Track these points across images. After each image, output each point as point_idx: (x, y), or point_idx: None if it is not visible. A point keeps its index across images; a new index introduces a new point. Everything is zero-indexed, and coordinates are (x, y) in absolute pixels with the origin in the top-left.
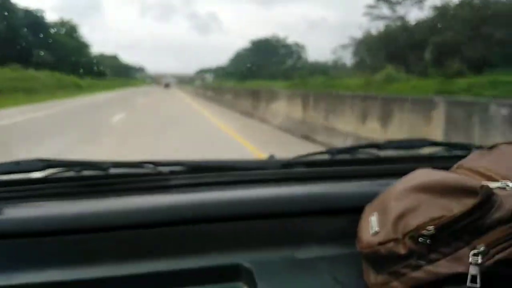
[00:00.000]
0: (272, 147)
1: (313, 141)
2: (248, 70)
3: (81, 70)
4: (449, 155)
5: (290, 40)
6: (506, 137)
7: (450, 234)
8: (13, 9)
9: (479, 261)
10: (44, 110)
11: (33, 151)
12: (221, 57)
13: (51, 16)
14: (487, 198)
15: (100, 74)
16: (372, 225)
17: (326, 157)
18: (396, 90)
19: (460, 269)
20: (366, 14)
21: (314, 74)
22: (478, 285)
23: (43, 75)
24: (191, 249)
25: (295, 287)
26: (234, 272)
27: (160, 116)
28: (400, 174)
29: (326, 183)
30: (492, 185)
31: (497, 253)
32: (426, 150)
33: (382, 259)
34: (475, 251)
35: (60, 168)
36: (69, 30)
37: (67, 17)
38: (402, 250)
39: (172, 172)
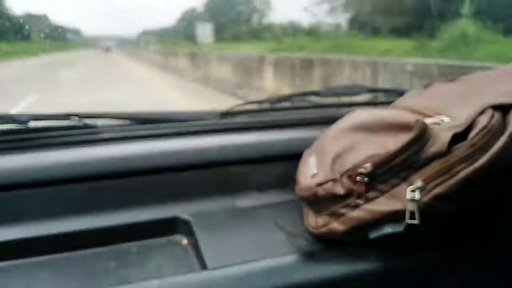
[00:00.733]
0: None
1: None
2: None
3: None
4: (387, 100)
5: None
6: None
7: (387, 171)
8: None
9: (417, 197)
10: None
11: None
12: (163, 20)
13: None
14: (422, 133)
15: (26, 37)
16: (310, 167)
17: (265, 106)
18: None
19: (398, 206)
20: None
21: (295, 35)
22: (416, 221)
23: None
24: (125, 204)
25: (235, 235)
26: (171, 225)
27: None
28: (339, 119)
29: (265, 131)
30: (427, 120)
31: (434, 188)
32: (365, 96)
33: (321, 201)
34: (412, 187)
35: None
36: None
37: None
38: (340, 190)
39: (102, 126)
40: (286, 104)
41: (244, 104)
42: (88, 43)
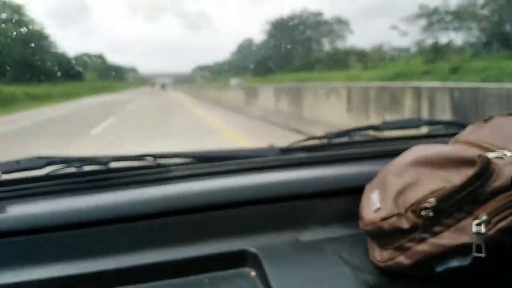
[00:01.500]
0: None
1: None
2: (263, 63)
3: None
4: (446, 133)
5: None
6: None
7: (452, 205)
8: None
9: (482, 230)
10: None
11: None
12: (214, 55)
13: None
14: (485, 167)
15: (76, 77)
16: (373, 202)
17: (324, 141)
18: None
19: (464, 239)
20: None
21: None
22: (483, 254)
23: None
24: (195, 237)
25: (302, 268)
26: (240, 258)
27: None
28: (398, 153)
29: (325, 167)
30: (490, 155)
31: (499, 221)
32: (423, 130)
33: (385, 235)
34: (478, 220)
35: (61, 165)
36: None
37: (56, 22)
38: (405, 224)
39: (172, 164)
40: (344, 139)
41: (304, 140)
42: (146, 81)
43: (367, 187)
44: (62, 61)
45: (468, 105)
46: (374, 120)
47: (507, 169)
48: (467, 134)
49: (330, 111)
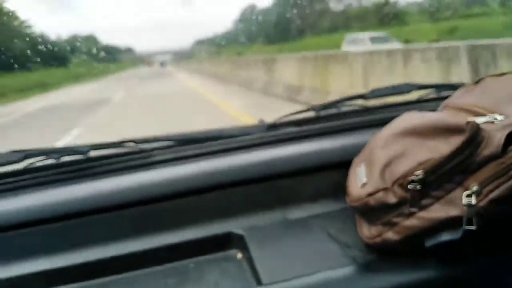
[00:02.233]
0: None
1: None
2: (278, 27)
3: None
4: (438, 97)
5: None
6: None
7: (440, 177)
8: None
9: (473, 201)
10: None
11: None
12: (213, 28)
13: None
14: (474, 134)
15: (61, 62)
16: (359, 177)
17: (311, 114)
18: None
19: (454, 212)
20: None
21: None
22: (474, 227)
23: None
24: (180, 223)
25: (289, 248)
26: (226, 240)
27: None
28: (388, 122)
29: (313, 141)
30: (479, 120)
31: (490, 191)
32: (414, 94)
33: (373, 211)
34: (468, 191)
35: (38, 157)
36: None
37: (48, 7)
38: (392, 199)
39: (154, 149)
40: (332, 110)
41: (290, 114)
42: (143, 60)
43: (355, 161)
44: (42, 45)
45: None
46: None
47: (497, 135)
48: (456, 97)
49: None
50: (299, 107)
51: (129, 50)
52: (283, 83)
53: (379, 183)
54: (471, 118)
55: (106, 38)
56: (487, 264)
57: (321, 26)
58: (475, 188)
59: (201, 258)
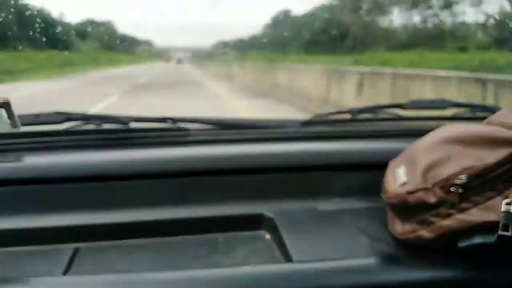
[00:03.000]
0: None
1: None
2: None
3: None
4: (472, 116)
5: None
6: None
7: (483, 184)
8: None
9: None
10: None
11: None
12: (236, 32)
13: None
14: None
15: (65, 45)
16: (399, 177)
17: (347, 116)
18: None
19: (491, 217)
20: None
21: None
22: (510, 233)
23: None
24: (215, 198)
25: (317, 235)
26: (256, 221)
27: None
28: (424, 133)
29: (347, 141)
30: None
31: None
32: (449, 111)
33: (410, 209)
34: (508, 200)
35: (80, 121)
36: None
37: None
38: (432, 199)
39: (192, 129)
40: (368, 115)
41: (326, 114)
42: (159, 55)
43: (391, 163)
44: (45, 25)
45: None
46: None
47: None
48: (501, 115)
49: None
50: None
51: (148, 43)
52: None
53: (420, 183)
54: None
55: (126, 30)
56: None
57: (393, 41)
58: None
59: (230, 234)
